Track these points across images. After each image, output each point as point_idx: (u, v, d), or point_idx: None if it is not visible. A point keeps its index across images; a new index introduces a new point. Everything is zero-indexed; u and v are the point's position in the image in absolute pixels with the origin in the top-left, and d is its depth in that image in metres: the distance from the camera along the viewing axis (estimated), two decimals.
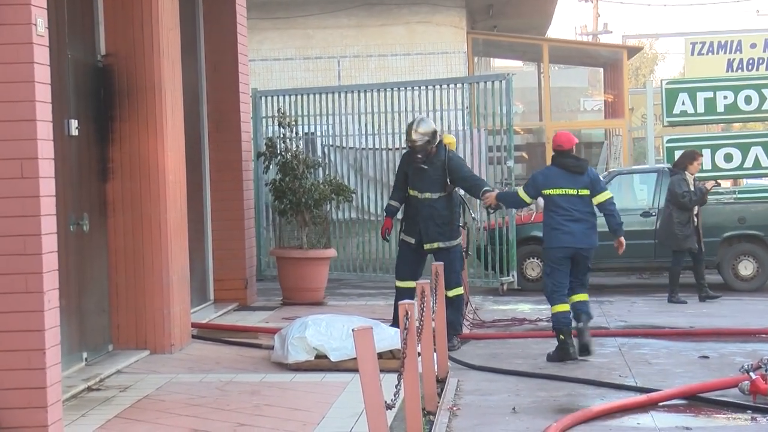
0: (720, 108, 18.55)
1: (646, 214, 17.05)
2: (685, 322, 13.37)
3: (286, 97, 17.54)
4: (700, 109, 18.48)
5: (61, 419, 7.31)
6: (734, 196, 18.28)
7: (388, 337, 9.48)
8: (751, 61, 28.44)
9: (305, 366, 9.67)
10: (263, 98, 17.85)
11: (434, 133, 11.44)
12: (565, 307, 10.96)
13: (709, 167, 17.29)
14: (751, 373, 8.81)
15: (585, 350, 10.92)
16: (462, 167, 11.63)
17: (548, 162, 12.81)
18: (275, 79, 22.19)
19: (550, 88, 27.62)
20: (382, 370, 6.08)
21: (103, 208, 10.34)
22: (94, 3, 10.35)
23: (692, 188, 15.46)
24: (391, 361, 8.96)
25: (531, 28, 29.24)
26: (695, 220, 15.55)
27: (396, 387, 6.28)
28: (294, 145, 15.41)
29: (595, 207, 11.17)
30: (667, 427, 8.13)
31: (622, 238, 11.16)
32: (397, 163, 12.42)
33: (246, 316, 13.30)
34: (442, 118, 16.61)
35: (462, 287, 11.67)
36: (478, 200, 12.09)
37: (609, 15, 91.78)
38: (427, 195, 11.46)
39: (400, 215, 12.01)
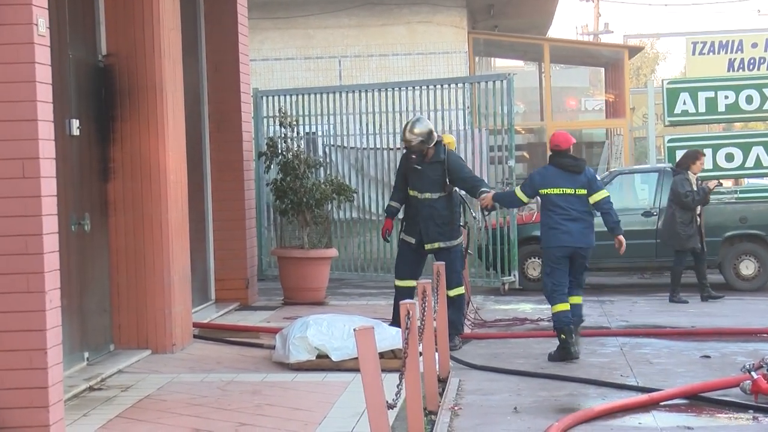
0: (721, 108, 18.56)
1: (647, 213, 17.04)
2: (686, 322, 13.37)
3: (287, 97, 17.54)
4: (702, 108, 18.49)
5: (62, 419, 7.31)
6: (735, 195, 18.27)
7: (390, 337, 9.48)
8: (752, 61, 28.43)
9: (307, 366, 9.67)
10: (264, 98, 17.85)
11: (429, 133, 11.42)
12: (565, 307, 10.96)
13: (711, 167, 17.30)
14: (752, 373, 8.80)
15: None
16: (461, 167, 11.61)
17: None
18: (276, 79, 22.20)
19: (551, 88, 27.61)
20: (383, 370, 6.08)
21: (104, 207, 10.34)
22: (96, 3, 10.36)
23: (695, 188, 15.46)
24: (393, 360, 8.95)
25: (532, 28, 29.23)
26: (698, 219, 15.54)
27: (397, 387, 6.28)
28: (295, 145, 15.40)
29: (591, 206, 11.18)
30: (669, 427, 8.13)
31: (621, 237, 11.15)
32: (398, 163, 12.42)
33: (247, 316, 13.30)
34: (443, 118, 16.61)
35: (463, 287, 11.67)
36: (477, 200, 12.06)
37: (610, 15, 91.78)
38: (427, 195, 11.46)
39: (400, 215, 12.01)
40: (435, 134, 11.53)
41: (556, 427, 7.74)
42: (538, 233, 15.66)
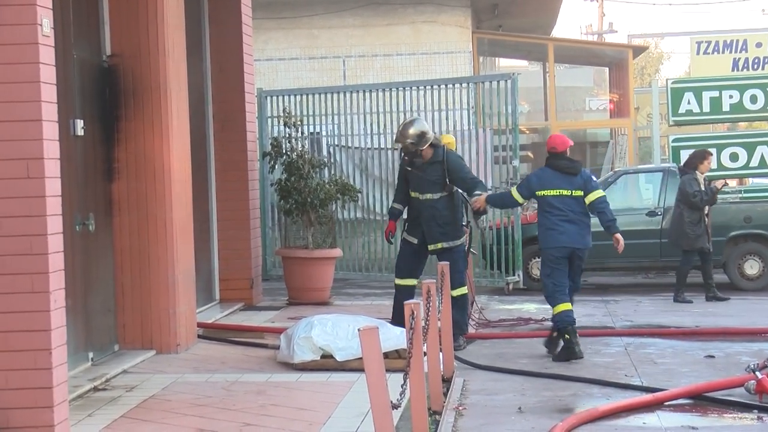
0: (726, 107, 18.56)
1: (651, 213, 17.03)
2: (690, 322, 13.36)
3: (292, 97, 17.54)
4: (706, 108, 18.48)
5: (67, 419, 7.32)
6: (740, 195, 18.27)
7: (394, 337, 9.48)
8: (756, 60, 28.42)
9: (311, 366, 9.68)
10: (268, 98, 17.85)
11: (421, 134, 11.40)
12: (567, 306, 10.97)
13: (715, 166, 17.28)
14: (757, 373, 8.79)
15: (553, 352, 11.08)
16: (460, 168, 11.58)
17: None
18: (280, 79, 22.20)
19: (556, 88, 27.61)
20: (387, 370, 6.08)
21: (108, 207, 10.35)
22: (100, 3, 10.36)
23: (703, 188, 15.44)
24: (397, 360, 8.96)
25: (536, 28, 29.23)
26: (705, 219, 15.53)
27: (402, 387, 6.27)
28: (299, 145, 15.41)
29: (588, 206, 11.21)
30: (673, 427, 8.13)
31: (619, 235, 11.15)
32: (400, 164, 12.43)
33: (252, 316, 13.31)
34: (447, 118, 16.61)
35: (466, 287, 11.66)
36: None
37: (614, 14, 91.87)
38: (428, 196, 11.46)
39: (404, 216, 12.01)
40: (430, 135, 11.48)
41: (560, 427, 7.74)
42: None
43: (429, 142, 11.41)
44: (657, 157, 23.15)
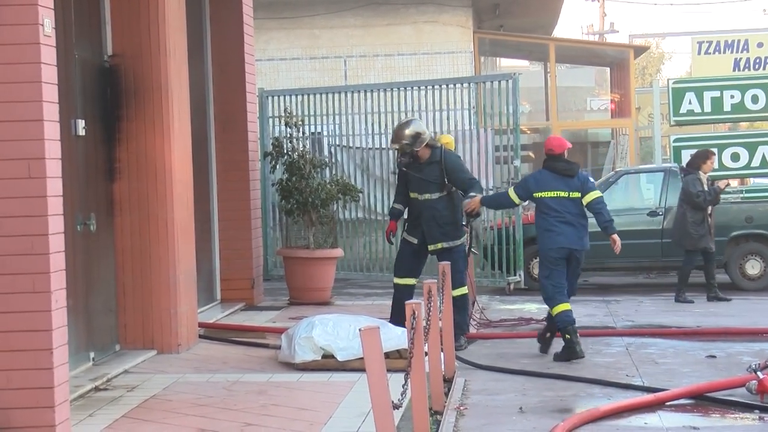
0: (727, 107, 18.56)
1: (653, 213, 17.02)
2: (692, 322, 13.36)
3: (293, 97, 17.55)
4: (707, 108, 18.48)
5: (68, 419, 7.32)
6: (741, 195, 18.26)
7: (395, 337, 9.48)
8: (758, 61, 28.40)
9: (312, 366, 9.68)
10: (270, 98, 17.85)
11: (416, 135, 11.40)
12: (566, 306, 10.99)
13: (716, 166, 17.26)
14: (758, 373, 8.79)
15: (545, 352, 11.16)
16: (457, 168, 11.56)
17: None
18: (282, 79, 22.21)
19: (557, 88, 27.61)
20: (389, 370, 6.08)
21: (110, 207, 10.35)
22: (101, 3, 10.37)
23: (706, 188, 15.43)
24: (398, 360, 8.96)
25: (537, 28, 29.23)
26: (708, 219, 15.51)
27: (403, 387, 6.28)
28: (301, 145, 15.41)
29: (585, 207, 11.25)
30: (675, 427, 8.13)
31: (616, 236, 11.17)
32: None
33: (253, 316, 13.31)
34: (448, 118, 16.61)
35: (466, 287, 11.65)
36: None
37: (615, 14, 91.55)
38: (427, 196, 11.46)
39: (405, 216, 12.01)
40: (426, 136, 11.47)
41: (561, 427, 7.73)
42: None
43: (425, 143, 11.41)
44: (658, 157, 23.14)
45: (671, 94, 18.65)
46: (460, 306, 11.42)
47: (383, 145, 17.23)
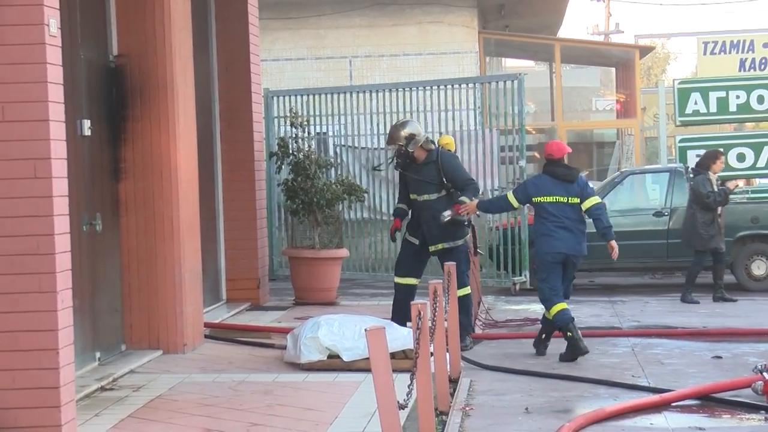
0: (732, 107, 18.55)
1: (658, 213, 17.00)
2: (698, 322, 13.35)
3: (298, 97, 17.56)
4: (713, 108, 18.47)
5: (74, 419, 7.32)
6: (747, 195, 18.24)
7: (401, 337, 9.47)
8: (763, 61, 28.37)
9: (318, 366, 9.68)
10: (275, 98, 17.86)
11: (410, 136, 11.39)
12: (563, 306, 11.05)
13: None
14: (764, 374, 8.79)
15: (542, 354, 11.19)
16: (453, 168, 11.51)
17: None
18: (287, 79, 22.21)
19: (562, 88, 27.58)
20: (394, 370, 6.07)
21: (115, 207, 10.36)
22: (107, 3, 10.37)
23: (715, 188, 15.40)
24: (404, 361, 8.95)
25: (543, 28, 29.20)
26: (718, 220, 15.49)
27: (409, 387, 6.28)
28: (306, 145, 15.41)
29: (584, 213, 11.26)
30: (680, 428, 8.12)
31: (614, 242, 11.21)
32: None
33: (258, 316, 13.31)
34: (453, 118, 16.61)
35: (468, 287, 11.63)
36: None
37: (621, 14, 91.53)
38: (425, 197, 11.45)
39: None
40: (420, 137, 11.44)
41: (567, 428, 7.73)
42: None
43: (419, 144, 11.41)
44: (664, 157, 23.13)
45: (677, 94, 18.64)
46: (464, 306, 11.40)
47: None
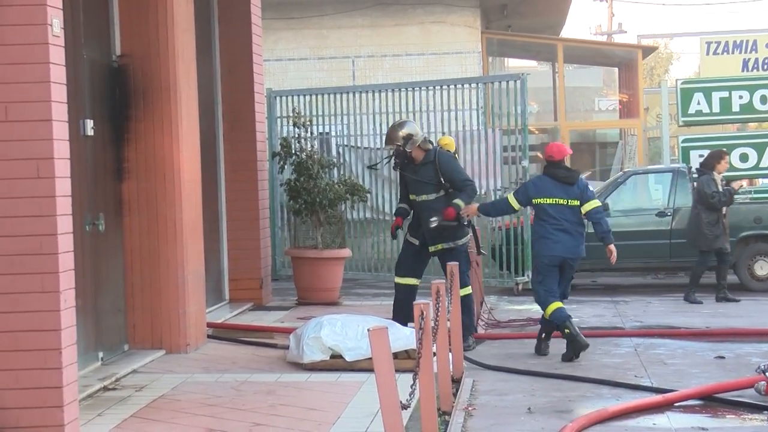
0: (735, 108, 18.54)
1: (661, 214, 16.98)
2: (701, 323, 13.34)
3: (301, 97, 17.56)
4: (716, 108, 18.46)
5: (77, 419, 7.33)
6: (750, 195, 18.23)
7: (404, 337, 9.48)
8: (766, 61, 28.34)
9: (320, 366, 9.68)
10: (278, 98, 17.86)
11: (407, 136, 11.38)
12: (558, 304, 11.10)
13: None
14: (767, 374, 8.78)
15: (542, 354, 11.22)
16: (451, 168, 11.47)
17: None
18: (290, 79, 22.21)
19: (565, 88, 27.59)
20: (397, 370, 6.07)
21: (118, 207, 10.36)
22: (110, 4, 10.38)
23: (720, 188, 15.39)
24: (407, 361, 8.96)
25: (545, 28, 29.20)
26: (723, 220, 15.48)
27: (411, 387, 6.27)
28: (309, 145, 15.42)
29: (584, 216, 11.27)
30: (683, 428, 8.12)
31: (612, 246, 11.23)
32: None
33: (261, 316, 13.31)
34: (456, 118, 16.60)
35: (470, 287, 11.62)
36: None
37: (623, 15, 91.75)
38: (424, 197, 11.45)
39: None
40: (418, 137, 11.42)
41: (570, 428, 7.73)
42: None
43: (416, 144, 11.40)
44: (666, 157, 23.12)
45: (680, 94, 18.63)
46: (465, 306, 11.39)
47: None
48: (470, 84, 17.25)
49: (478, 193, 12.87)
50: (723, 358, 10.90)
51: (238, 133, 14.14)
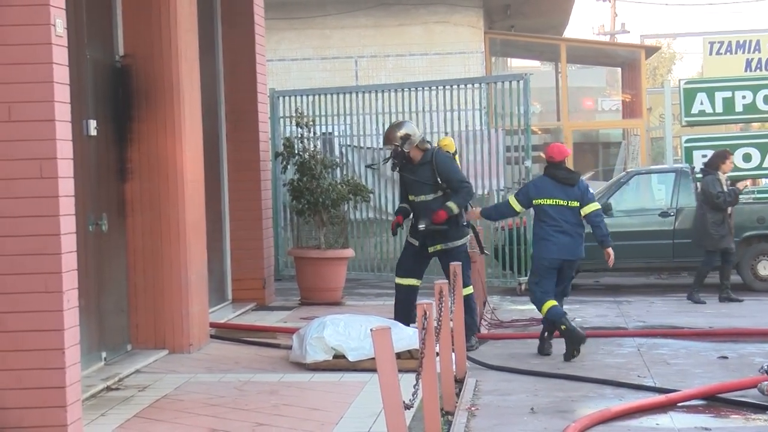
0: (738, 108, 18.54)
1: (664, 214, 16.98)
2: (704, 323, 13.34)
3: (304, 97, 17.57)
4: (719, 108, 18.47)
5: (80, 419, 7.33)
6: (753, 196, 18.22)
7: (407, 337, 9.48)
8: None
9: (323, 366, 9.68)
10: (281, 98, 17.87)
11: (405, 137, 11.38)
12: (553, 302, 11.12)
13: None
14: None
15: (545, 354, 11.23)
16: (448, 169, 11.42)
17: None
18: (293, 79, 22.21)
19: (568, 88, 27.58)
20: (400, 370, 6.08)
21: (121, 208, 10.37)
22: (113, 4, 10.38)
23: (725, 188, 15.38)
24: (410, 361, 8.96)
25: (548, 28, 29.19)
26: (728, 220, 15.46)
27: (414, 387, 6.28)
28: (312, 145, 15.42)
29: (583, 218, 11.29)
30: (686, 428, 8.11)
31: (610, 249, 11.25)
32: None
33: (264, 316, 13.32)
34: (459, 118, 16.61)
35: (471, 287, 11.61)
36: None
37: (626, 14, 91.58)
38: (422, 197, 11.44)
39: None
40: (416, 137, 11.41)
41: (573, 428, 7.73)
42: None
43: (414, 144, 11.40)
44: (669, 157, 23.09)
45: (682, 94, 18.63)
46: (467, 306, 11.39)
47: None
48: (473, 84, 17.27)
49: (475, 194, 12.88)
50: (726, 358, 10.90)
51: (241, 133, 14.14)
